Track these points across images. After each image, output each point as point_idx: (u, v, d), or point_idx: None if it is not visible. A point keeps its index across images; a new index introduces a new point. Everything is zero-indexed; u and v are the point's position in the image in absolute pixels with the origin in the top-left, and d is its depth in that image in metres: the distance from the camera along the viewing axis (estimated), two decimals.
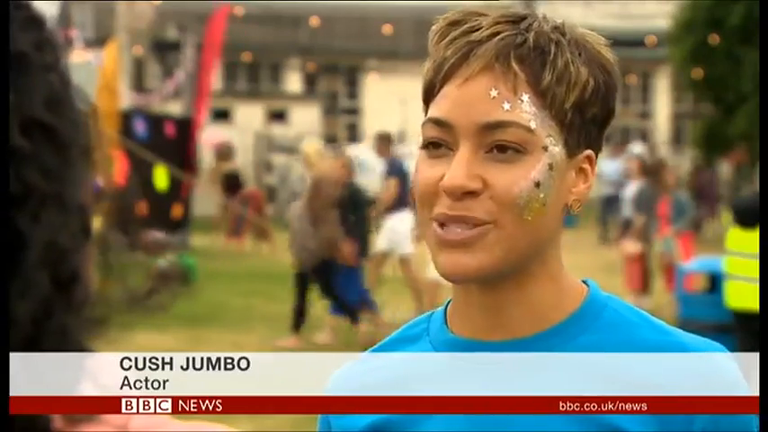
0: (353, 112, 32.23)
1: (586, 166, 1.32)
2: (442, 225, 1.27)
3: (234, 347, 10.10)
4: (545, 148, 1.26)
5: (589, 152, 1.32)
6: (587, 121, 1.30)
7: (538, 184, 1.26)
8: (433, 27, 1.30)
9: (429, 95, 1.30)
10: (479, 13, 1.29)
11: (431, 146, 1.29)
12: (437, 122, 1.28)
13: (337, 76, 32.38)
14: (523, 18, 1.28)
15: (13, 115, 0.73)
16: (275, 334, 10.73)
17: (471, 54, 1.26)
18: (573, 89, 1.27)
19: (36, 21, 0.78)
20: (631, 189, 13.30)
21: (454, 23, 1.28)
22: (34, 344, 0.73)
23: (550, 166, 1.27)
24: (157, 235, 14.33)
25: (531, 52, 1.26)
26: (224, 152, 22.46)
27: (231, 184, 21.21)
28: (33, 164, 0.73)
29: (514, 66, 1.25)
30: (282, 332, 10.78)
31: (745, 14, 21.40)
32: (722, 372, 1.27)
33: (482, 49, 1.25)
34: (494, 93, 1.25)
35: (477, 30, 1.27)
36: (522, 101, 1.25)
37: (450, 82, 1.27)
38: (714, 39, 22.81)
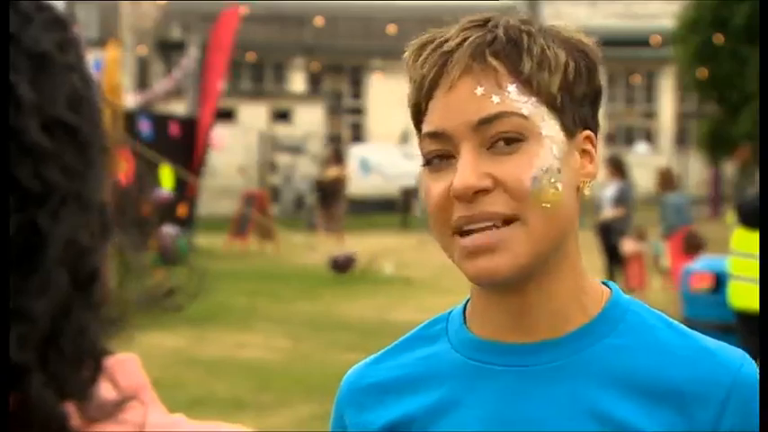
0: (358, 111, 32.22)
1: (588, 146, 1.32)
2: (463, 234, 1.26)
3: (237, 347, 10.11)
4: (543, 134, 1.27)
5: (588, 132, 1.32)
6: (577, 102, 1.30)
7: (546, 170, 1.26)
8: (405, 54, 1.32)
9: (419, 116, 1.31)
10: (445, 30, 1.31)
11: (433, 161, 1.29)
12: (433, 135, 1.28)
13: (341, 75, 32.39)
14: (489, 19, 1.30)
15: (35, 114, 0.73)
16: (279, 334, 10.74)
17: (448, 63, 1.27)
18: (555, 72, 1.28)
19: (60, 21, 0.79)
20: (611, 189, 13.31)
21: (425, 44, 1.30)
22: (52, 342, 0.73)
23: (552, 150, 1.27)
24: (170, 230, 14.28)
25: (506, 45, 1.27)
26: (331, 156, 22.29)
27: (331, 190, 20.70)
28: (55, 162, 0.74)
29: (492, 61, 1.26)
30: (285, 332, 10.78)
31: (750, 14, 21.37)
32: (745, 377, 1.28)
33: (456, 55, 1.27)
34: (479, 90, 1.26)
35: (447, 40, 1.28)
36: (509, 91, 1.26)
37: (434, 96, 1.28)
38: (719, 38, 22.78)
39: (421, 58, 1.29)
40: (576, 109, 1.30)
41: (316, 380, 8.22)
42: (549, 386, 1.28)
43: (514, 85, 1.26)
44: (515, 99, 1.26)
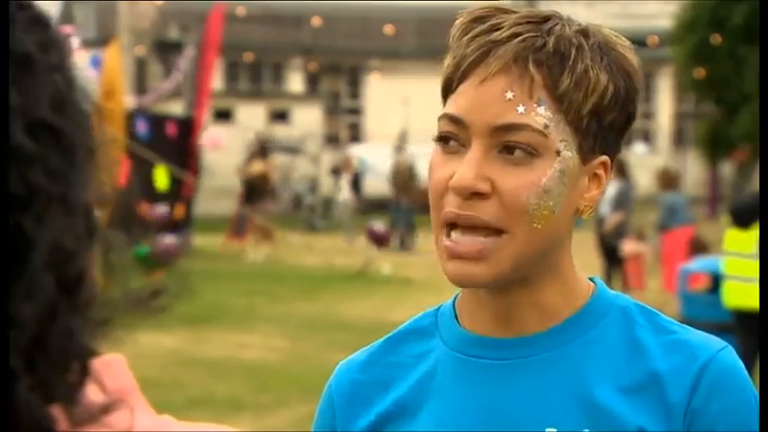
0: (355, 111, 32.22)
1: (600, 171, 1.31)
2: (450, 230, 1.27)
3: (235, 347, 10.11)
4: (558, 153, 1.26)
5: (604, 158, 1.31)
6: (605, 127, 1.29)
7: (547, 191, 1.25)
8: (457, 21, 1.30)
9: (447, 90, 1.30)
10: (504, 10, 1.29)
11: (444, 140, 1.29)
12: (452, 119, 1.28)
13: (339, 75, 32.38)
14: (547, 19, 1.28)
15: (19, 116, 0.72)
16: (277, 334, 10.74)
17: (490, 54, 1.25)
18: (591, 95, 1.26)
19: (41, 21, 0.77)
20: (611, 190, 13.34)
21: (477, 19, 1.28)
22: (38, 347, 0.72)
23: (562, 173, 1.26)
24: (169, 240, 14.25)
25: (551, 56, 1.25)
26: (255, 150, 21.71)
27: (253, 189, 20.29)
28: (39, 165, 0.72)
29: (531, 69, 1.24)
30: (284, 333, 10.77)
31: (748, 14, 21.38)
32: (720, 362, 1.28)
33: (501, 50, 1.25)
34: (509, 95, 1.25)
35: (499, 29, 1.26)
36: (538, 105, 1.25)
37: (467, 80, 1.27)
38: (716, 38, 22.79)
39: (467, 37, 1.27)
40: (600, 134, 1.29)
41: (314, 380, 8.20)
42: (535, 377, 1.30)
43: (545, 99, 1.25)
44: (541, 114, 1.25)
